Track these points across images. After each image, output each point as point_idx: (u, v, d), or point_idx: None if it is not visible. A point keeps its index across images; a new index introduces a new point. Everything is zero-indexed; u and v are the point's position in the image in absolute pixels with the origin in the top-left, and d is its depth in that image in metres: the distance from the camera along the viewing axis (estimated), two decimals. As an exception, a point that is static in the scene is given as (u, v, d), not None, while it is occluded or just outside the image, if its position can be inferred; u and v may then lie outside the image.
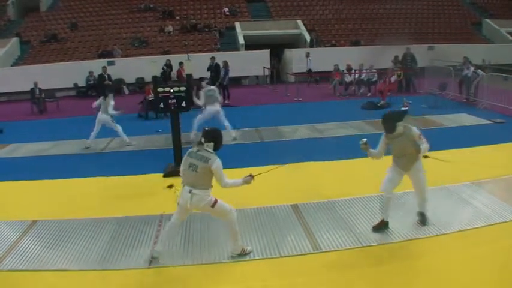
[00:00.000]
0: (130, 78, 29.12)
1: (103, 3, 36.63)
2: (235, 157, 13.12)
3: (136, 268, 7.21)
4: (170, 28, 33.47)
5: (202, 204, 7.06)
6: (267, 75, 30.54)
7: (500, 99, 18.64)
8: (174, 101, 11.70)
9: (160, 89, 11.82)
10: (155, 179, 11.30)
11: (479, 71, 20.79)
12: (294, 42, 33.18)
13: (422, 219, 8.25)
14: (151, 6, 35.92)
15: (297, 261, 7.25)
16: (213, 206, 7.10)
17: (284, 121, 17.67)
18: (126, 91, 28.66)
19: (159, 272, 7.14)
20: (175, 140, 11.95)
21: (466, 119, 17.28)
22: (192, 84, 13.79)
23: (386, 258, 7.23)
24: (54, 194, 10.65)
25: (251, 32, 32.56)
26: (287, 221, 8.73)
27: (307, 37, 32.34)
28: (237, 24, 33.60)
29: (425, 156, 8.26)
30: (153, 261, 7.30)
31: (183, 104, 11.78)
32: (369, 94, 24.12)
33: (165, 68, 26.03)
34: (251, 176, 7.25)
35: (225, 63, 25.69)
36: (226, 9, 35.92)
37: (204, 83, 15.33)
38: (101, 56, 30.46)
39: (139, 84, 28.53)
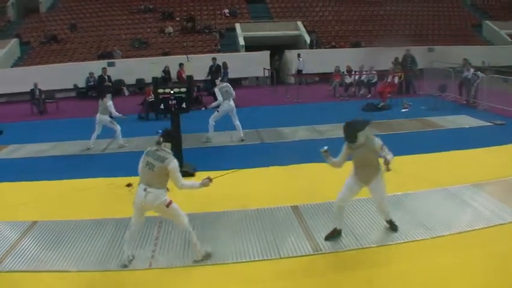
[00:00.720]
0: (130, 80, 29.10)
1: (103, 4, 36.63)
2: (235, 158, 13.17)
3: (136, 269, 7.21)
4: (170, 29, 33.46)
5: (157, 203, 7.04)
6: (267, 77, 30.54)
7: (500, 101, 18.61)
8: (174, 102, 11.70)
9: (160, 90, 11.83)
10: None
11: (479, 72, 20.78)
12: (294, 43, 33.15)
13: (392, 227, 8.18)
14: (151, 7, 35.89)
15: (297, 263, 7.26)
16: (167, 206, 7.09)
17: (284, 122, 17.67)
18: (126, 92, 28.65)
19: (160, 273, 7.14)
20: (175, 141, 11.94)
21: (466, 121, 17.27)
22: (193, 86, 13.81)
23: (386, 260, 7.24)
24: (54, 195, 10.64)
25: (251, 33, 32.54)
26: (287, 222, 8.74)
27: (307, 38, 32.31)
28: (237, 26, 33.58)
29: (388, 170, 7.98)
30: (128, 265, 7.29)
31: (184, 105, 11.78)
32: (369, 95, 24.12)
33: (163, 74, 25.94)
34: (209, 179, 7.22)
35: (224, 65, 25.72)
36: (226, 11, 35.91)
37: (217, 81, 15.51)
38: (101, 57, 30.45)
39: (140, 86, 28.52)
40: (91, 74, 28.00)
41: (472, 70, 20.94)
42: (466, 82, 21.16)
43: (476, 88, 20.56)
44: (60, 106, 24.24)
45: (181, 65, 24.56)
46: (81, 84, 28.70)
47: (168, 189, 7.19)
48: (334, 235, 7.98)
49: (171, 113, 12.14)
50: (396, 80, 22.90)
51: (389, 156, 7.49)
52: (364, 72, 25.33)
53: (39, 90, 23.69)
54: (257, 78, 31.67)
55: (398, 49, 26.21)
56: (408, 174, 10.53)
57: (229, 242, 7.77)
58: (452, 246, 7.57)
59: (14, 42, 31.60)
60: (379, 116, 18.08)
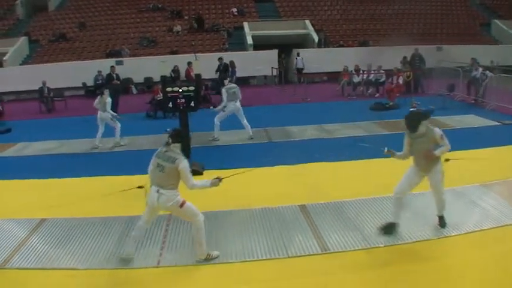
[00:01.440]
0: (138, 78, 29.19)
1: (111, 2, 36.73)
2: (243, 157, 13.17)
3: (144, 267, 7.23)
4: (178, 28, 33.50)
5: (170, 204, 7.03)
6: (275, 76, 30.53)
7: (509, 101, 18.52)
8: (182, 100, 11.71)
9: (169, 89, 11.84)
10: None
11: (488, 72, 20.70)
12: (302, 42, 33.12)
13: (441, 222, 8.18)
14: (160, 6, 35.97)
15: (305, 262, 7.25)
16: (181, 206, 7.08)
17: (292, 121, 17.66)
18: (134, 91, 28.74)
19: (167, 271, 7.16)
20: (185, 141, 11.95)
21: (474, 120, 17.21)
22: (201, 84, 13.84)
23: (394, 260, 7.21)
24: (63, 192, 10.68)
25: (259, 32, 32.49)
26: (295, 221, 8.72)
27: (315, 37, 32.27)
28: (245, 24, 33.57)
29: (447, 160, 8.04)
30: (125, 263, 7.31)
31: (192, 104, 11.79)
32: (377, 95, 24.08)
33: (172, 74, 25.96)
34: (219, 179, 7.22)
35: (232, 63, 25.73)
36: (234, 9, 35.92)
37: (226, 81, 15.51)
38: (109, 55, 30.53)
39: (148, 84, 28.56)
40: (99, 72, 28.07)
41: (480, 69, 20.86)
42: (474, 81, 21.09)
43: (484, 87, 20.49)
44: (69, 104, 24.37)
45: (189, 63, 24.60)
46: (90, 82, 28.79)
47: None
48: (389, 229, 7.90)
49: (179, 112, 12.16)
50: (401, 80, 22.84)
51: (445, 147, 7.72)
52: (372, 72, 25.28)
53: (48, 88, 23.82)
54: (265, 77, 31.68)
55: (407, 48, 26.17)
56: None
57: (237, 241, 7.77)
58: (460, 246, 7.54)
59: (22, 40, 31.75)
60: (387, 116, 18.06)
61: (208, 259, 7.34)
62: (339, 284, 6.65)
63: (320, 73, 30.26)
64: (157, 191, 7.00)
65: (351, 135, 15.36)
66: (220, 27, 34.02)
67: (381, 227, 8.00)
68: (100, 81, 27.98)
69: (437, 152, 7.68)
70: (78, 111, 22.54)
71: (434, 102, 20.38)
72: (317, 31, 33.08)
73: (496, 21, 35.95)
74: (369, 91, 25.22)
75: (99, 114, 15.02)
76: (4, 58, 29.54)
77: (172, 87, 11.89)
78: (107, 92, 15.21)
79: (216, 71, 25.61)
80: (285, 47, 31.73)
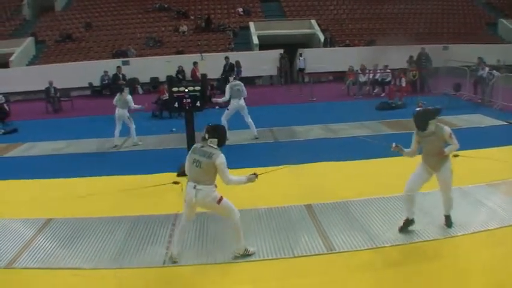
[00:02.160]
0: (144, 78, 29.21)
1: (117, 2, 36.83)
2: (249, 156, 13.17)
3: (151, 267, 7.23)
4: (185, 28, 33.55)
5: (208, 200, 7.05)
6: (280, 76, 30.55)
7: (516, 100, 18.48)
8: (188, 100, 11.70)
9: (175, 89, 11.84)
10: (169, 178, 11.31)
11: (494, 71, 20.63)
12: (308, 42, 33.11)
13: (447, 222, 8.16)
14: (166, 6, 36.03)
15: (311, 262, 7.23)
16: (218, 202, 7.09)
17: (298, 121, 17.66)
18: (140, 91, 28.77)
19: (174, 270, 7.16)
20: (189, 140, 11.94)
21: (481, 120, 17.15)
22: (207, 84, 13.83)
23: (400, 260, 7.20)
24: (69, 192, 10.68)
25: (265, 31, 32.49)
26: (301, 221, 8.71)
27: (321, 37, 32.23)
28: (251, 24, 33.58)
29: (456, 156, 8.06)
30: (177, 261, 7.32)
31: (198, 104, 11.78)
32: (383, 94, 24.03)
33: (178, 75, 25.98)
34: (255, 175, 7.23)
35: (237, 63, 25.76)
36: (240, 9, 35.94)
37: (231, 78, 15.51)
38: (116, 55, 30.61)
39: (154, 84, 28.60)
40: (106, 72, 28.21)
41: (487, 69, 20.81)
42: (481, 81, 21.03)
43: (491, 87, 20.42)
44: (75, 104, 24.43)
45: (195, 63, 24.68)
46: (96, 82, 28.93)
47: (216, 186, 7.17)
48: (407, 226, 7.99)
49: (185, 112, 12.15)
50: (403, 82, 22.76)
51: (453, 146, 7.78)
52: (378, 71, 25.23)
53: (54, 88, 23.90)
54: (271, 76, 31.65)
55: (413, 47, 26.10)
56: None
57: (245, 241, 7.76)
58: (467, 246, 7.51)
59: (29, 40, 31.88)
60: (393, 115, 18.02)
61: (245, 255, 7.39)
62: (345, 284, 6.64)
63: (326, 73, 30.24)
64: (195, 187, 7.01)
65: (356, 135, 15.33)
66: (226, 27, 34.04)
67: (400, 226, 8.05)
68: (106, 82, 28.12)
69: (446, 150, 7.71)
70: (85, 111, 22.63)
71: (440, 101, 20.24)
72: (323, 31, 33.06)
73: (503, 20, 35.81)
74: (375, 90, 25.18)
75: (118, 111, 14.99)
76: (11, 59, 29.66)
77: (178, 87, 11.88)
78: (127, 89, 15.23)
79: (223, 69, 25.63)
80: (291, 47, 31.69)
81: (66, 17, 35.40)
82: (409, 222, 8.02)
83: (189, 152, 7.29)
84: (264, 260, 7.33)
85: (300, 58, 30.11)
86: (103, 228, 8.68)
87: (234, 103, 15.07)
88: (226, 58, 25.91)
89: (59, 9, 36.46)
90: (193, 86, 11.89)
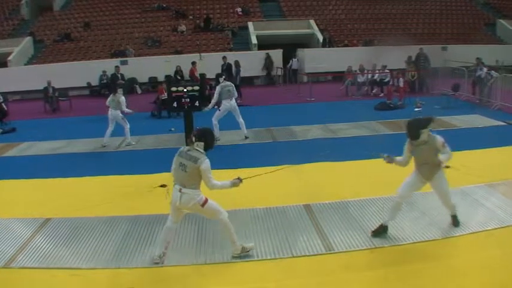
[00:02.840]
0: (143, 78, 29.24)
1: (116, 2, 36.85)
2: (247, 156, 13.16)
3: (149, 267, 7.22)
4: (183, 28, 33.56)
5: (192, 203, 7.02)
6: (279, 75, 30.54)
7: (514, 101, 18.49)
8: (187, 100, 11.71)
9: (174, 89, 11.85)
10: (168, 178, 11.30)
11: (493, 72, 20.64)
12: (307, 42, 33.14)
13: (454, 222, 8.14)
14: (164, 5, 36.04)
15: (310, 262, 7.22)
16: (202, 205, 7.06)
17: (297, 121, 17.64)
18: (139, 90, 28.78)
19: (172, 270, 7.14)
20: (188, 139, 11.94)
21: (479, 120, 17.13)
22: (205, 84, 13.82)
23: (399, 260, 7.18)
24: (67, 192, 10.68)
25: (264, 31, 32.54)
26: (299, 221, 8.70)
27: (320, 37, 32.27)
28: (250, 24, 33.61)
29: (447, 167, 8.07)
30: (158, 262, 7.31)
31: (196, 104, 11.79)
32: (382, 94, 24.02)
33: (176, 75, 25.94)
34: (239, 179, 7.21)
35: (236, 63, 25.74)
36: (239, 9, 35.98)
37: (221, 79, 15.45)
38: (114, 55, 30.62)
39: (152, 84, 28.59)
40: (104, 72, 28.20)
41: (485, 69, 20.81)
42: (479, 81, 21.04)
43: (489, 87, 20.44)
44: (73, 104, 24.41)
45: (194, 63, 24.63)
46: (94, 82, 28.93)
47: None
48: (382, 232, 7.92)
49: (183, 111, 12.16)
50: (401, 82, 22.75)
51: (447, 155, 7.66)
52: (377, 71, 25.23)
53: (53, 88, 23.88)
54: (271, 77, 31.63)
55: (412, 48, 26.12)
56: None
57: (242, 241, 7.74)
58: (465, 246, 7.51)
59: (27, 40, 31.88)
60: (391, 115, 18.02)
61: (244, 253, 7.37)
62: (344, 284, 6.62)
63: (324, 73, 30.26)
64: (180, 190, 7.00)
65: (355, 135, 15.35)
66: (225, 27, 34.05)
67: (373, 230, 8.00)
68: (105, 81, 28.09)
69: (442, 160, 7.67)
70: (83, 111, 22.61)
71: (439, 101, 20.36)
72: (321, 31, 33.13)
73: (501, 21, 35.88)
74: (374, 91, 25.18)
75: (111, 112, 14.98)
76: (9, 58, 29.67)
77: (177, 87, 11.90)
78: (120, 90, 15.18)
79: (221, 70, 25.63)
80: (290, 47, 31.70)
81: (64, 17, 35.40)
82: (384, 228, 7.94)
83: (176, 154, 7.25)
84: (263, 260, 7.31)
85: (294, 59, 30.17)
86: (101, 228, 8.66)
87: (225, 104, 14.95)
88: (224, 58, 25.87)
89: (57, 8, 36.46)
90: (192, 86, 11.91)
